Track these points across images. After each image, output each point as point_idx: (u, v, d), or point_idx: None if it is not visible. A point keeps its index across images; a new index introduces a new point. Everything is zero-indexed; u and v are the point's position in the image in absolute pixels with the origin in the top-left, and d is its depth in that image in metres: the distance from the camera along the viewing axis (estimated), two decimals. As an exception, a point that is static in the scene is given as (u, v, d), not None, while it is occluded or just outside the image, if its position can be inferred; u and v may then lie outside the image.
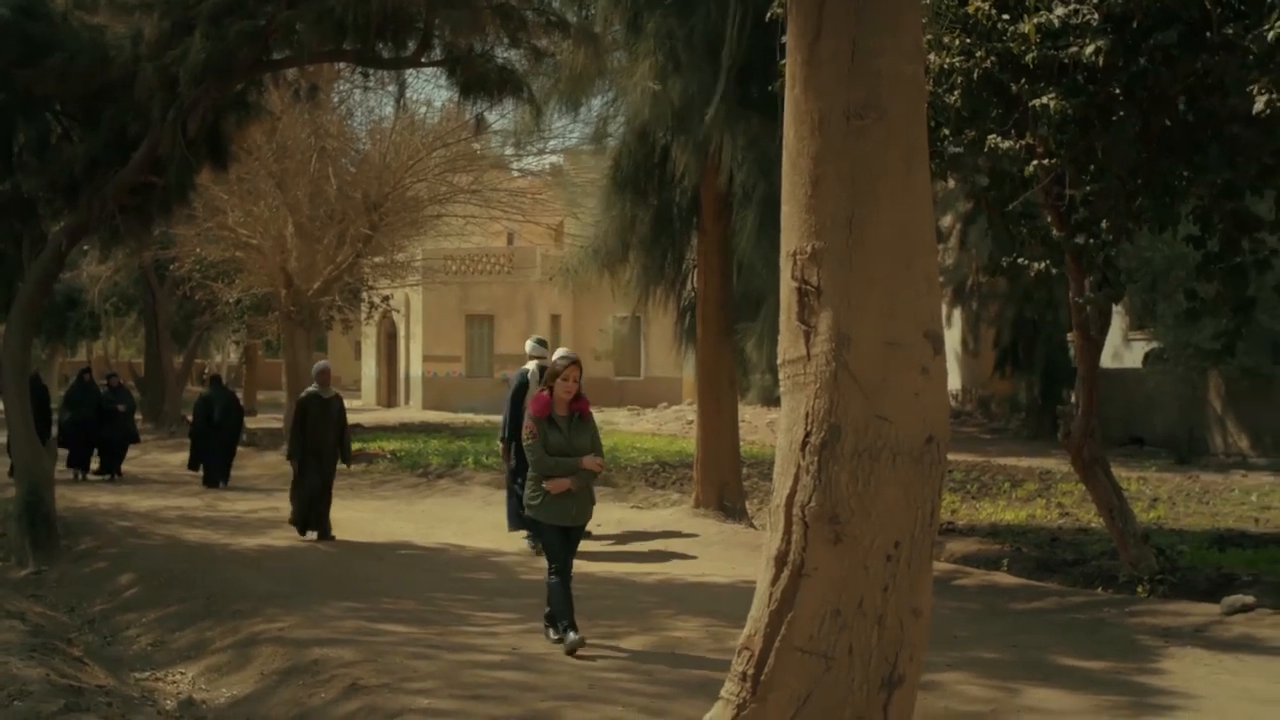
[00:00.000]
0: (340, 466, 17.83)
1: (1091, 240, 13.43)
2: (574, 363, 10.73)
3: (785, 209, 5.23)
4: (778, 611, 5.04)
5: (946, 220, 38.27)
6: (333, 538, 17.14)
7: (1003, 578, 14.54)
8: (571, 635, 10.26)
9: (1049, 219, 14.08)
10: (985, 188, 14.73)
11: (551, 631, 10.58)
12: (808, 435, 5.00)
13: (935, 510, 5.14)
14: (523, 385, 16.38)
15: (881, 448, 4.94)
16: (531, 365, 16.65)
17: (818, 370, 5.00)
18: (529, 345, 17.44)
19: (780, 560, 5.07)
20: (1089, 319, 14.13)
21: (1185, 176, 13.50)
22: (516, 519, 16.28)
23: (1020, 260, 14.54)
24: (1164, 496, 22.94)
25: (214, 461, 25.65)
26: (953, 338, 41.24)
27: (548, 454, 10.32)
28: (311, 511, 17.32)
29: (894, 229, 5.08)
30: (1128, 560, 14.03)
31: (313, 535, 17.28)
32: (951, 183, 18.63)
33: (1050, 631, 11.73)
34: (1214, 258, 13.99)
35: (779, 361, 5.16)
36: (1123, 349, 38.94)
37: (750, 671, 5.08)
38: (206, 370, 53.59)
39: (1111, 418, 29.91)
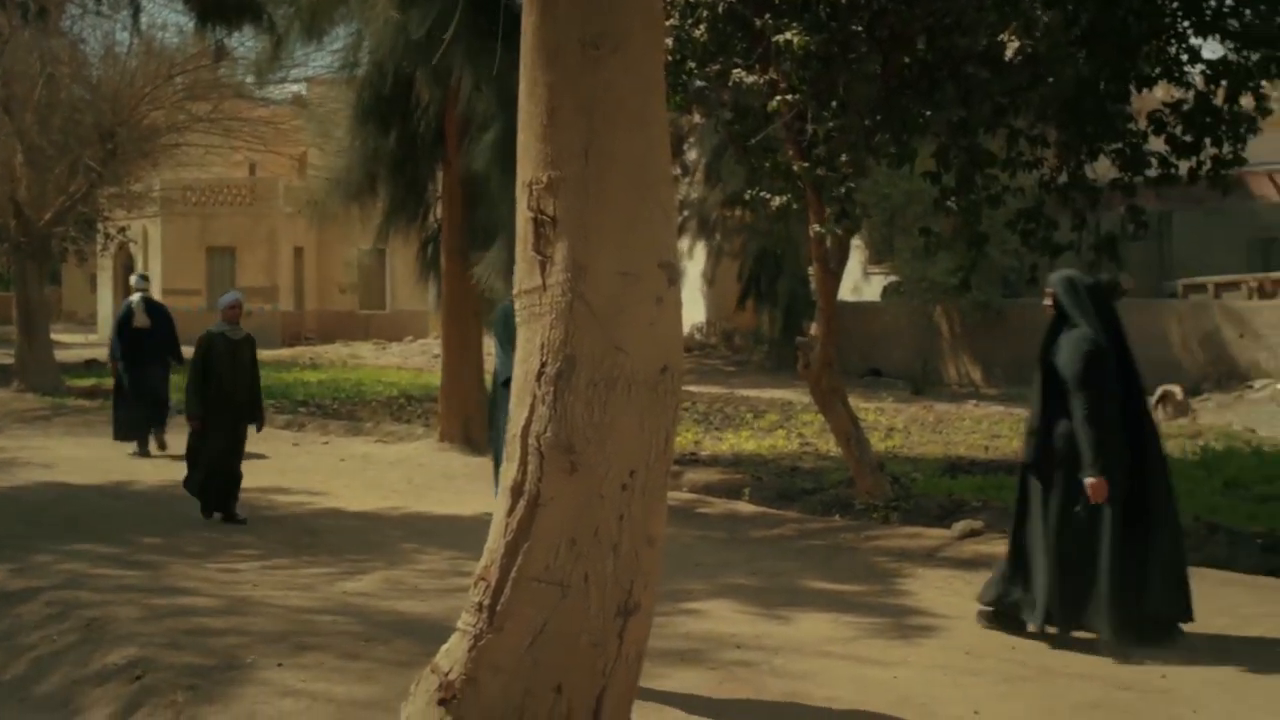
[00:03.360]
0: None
1: (831, 174, 13.66)
2: None
3: (521, 139, 5.19)
4: (514, 542, 5.04)
5: (692, 154, 38.60)
6: (243, 521, 13.66)
7: (743, 506, 14.79)
8: None
9: (790, 153, 14.26)
10: (729, 121, 14.87)
11: None
12: (543, 366, 4.99)
13: (670, 439, 5.18)
14: (126, 315, 19.35)
15: (617, 378, 4.96)
16: (135, 298, 19.49)
17: (553, 300, 4.98)
18: (133, 280, 20.39)
19: (516, 491, 5.07)
20: (828, 252, 14.39)
21: (923, 114, 13.79)
22: (124, 428, 17.87)
23: (762, 194, 14.72)
24: (899, 426, 23.60)
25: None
26: (696, 271, 41.67)
27: None
28: (214, 484, 13.88)
29: (630, 160, 5.08)
30: (864, 488, 14.39)
31: (216, 516, 13.84)
32: (697, 116, 18.76)
33: (790, 557, 11.99)
34: (949, 194, 14.34)
35: (514, 292, 5.14)
36: (862, 282, 39.86)
37: (487, 602, 5.08)
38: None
39: (850, 349, 30.61)
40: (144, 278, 20.73)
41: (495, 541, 5.13)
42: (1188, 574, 9.11)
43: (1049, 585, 8.88)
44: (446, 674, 5.11)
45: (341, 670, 7.96)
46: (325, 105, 29.85)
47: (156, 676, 7.76)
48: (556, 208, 5.02)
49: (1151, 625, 8.83)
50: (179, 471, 14.63)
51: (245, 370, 14.08)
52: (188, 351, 14.09)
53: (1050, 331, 9.18)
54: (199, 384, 13.89)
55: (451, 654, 5.15)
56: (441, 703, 5.09)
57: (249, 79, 32.76)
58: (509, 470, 5.11)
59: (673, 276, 5.16)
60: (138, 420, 19.33)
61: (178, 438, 16.60)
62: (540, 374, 5.00)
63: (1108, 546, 8.75)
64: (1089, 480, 8.63)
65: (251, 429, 14.27)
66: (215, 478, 13.82)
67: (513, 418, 5.10)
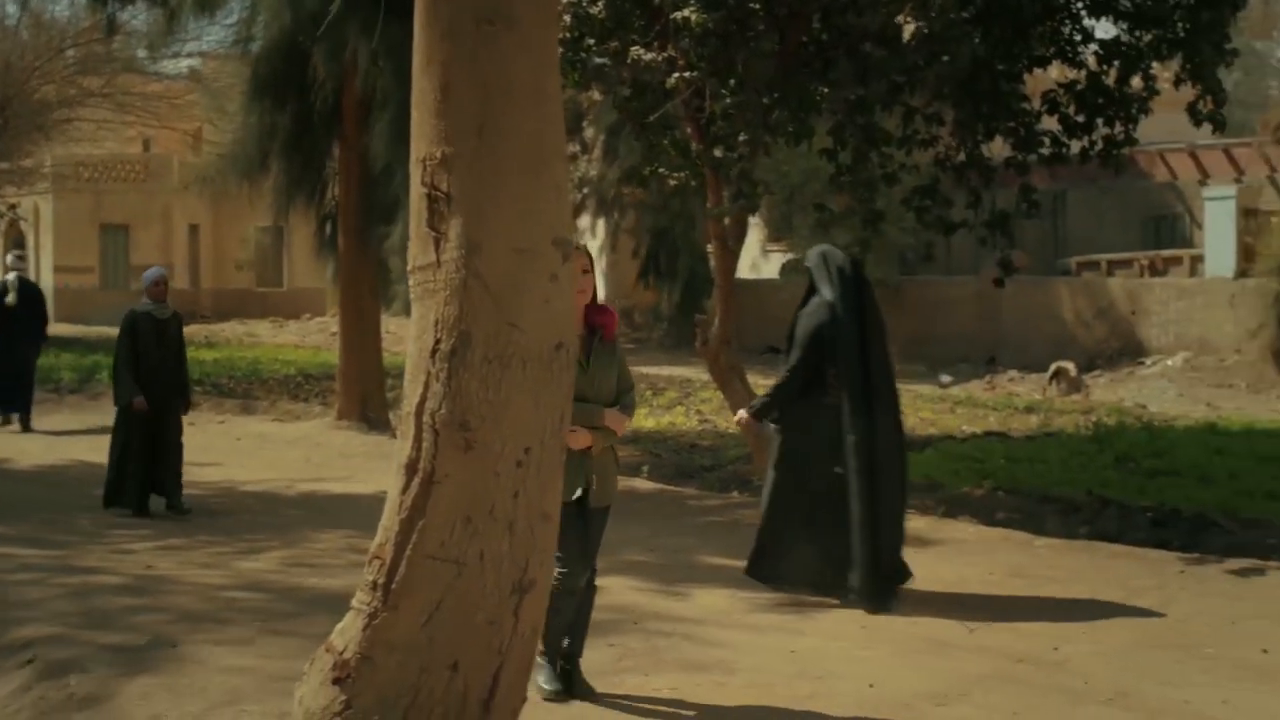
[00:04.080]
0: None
1: (729, 153, 13.69)
2: (577, 247, 6.26)
3: (416, 115, 5.16)
4: (408, 519, 5.02)
5: (590, 132, 38.56)
6: (187, 511, 12.82)
7: (642, 483, 14.84)
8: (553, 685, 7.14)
9: (689, 131, 14.29)
10: (627, 99, 14.84)
11: (544, 678, 7.08)
12: (437, 342, 4.97)
13: (565, 416, 5.18)
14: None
15: (511, 354, 4.95)
16: (11, 276, 19.26)
17: (447, 277, 4.97)
18: (9, 258, 20.15)
19: (411, 468, 5.05)
20: (726, 230, 14.44)
21: (820, 92, 13.85)
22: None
23: (660, 171, 14.75)
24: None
25: None
26: (594, 248, 41.68)
27: None
28: (153, 474, 12.89)
29: (525, 136, 5.07)
30: (762, 464, 14.46)
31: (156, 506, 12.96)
32: (596, 93, 18.72)
33: (689, 534, 12.05)
34: (845, 171, 14.43)
35: (409, 268, 5.12)
36: (761, 260, 40.06)
37: (381, 580, 5.06)
38: None
39: (749, 327, 30.74)
40: (20, 256, 20.74)
41: (390, 519, 5.11)
42: (901, 545, 9.67)
43: (775, 539, 9.57)
44: (341, 653, 5.09)
45: (271, 645, 8.02)
46: (220, 80, 29.58)
47: (78, 654, 7.75)
48: (450, 184, 5.00)
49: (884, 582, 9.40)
50: (58, 450, 14.37)
51: (173, 351, 13.13)
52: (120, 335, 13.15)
53: (802, 301, 9.69)
54: (129, 366, 12.83)
55: (346, 633, 5.13)
56: (336, 682, 5.07)
57: (142, 53, 32.42)
58: (403, 448, 5.09)
59: (567, 253, 5.15)
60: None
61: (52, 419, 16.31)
62: (434, 351, 4.98)
63: (857, 510, 9.28)
64: (743, 413, 9.19)
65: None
66: (140, 466, 12.81)
67: (406, 395, 5.08)
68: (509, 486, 5.02)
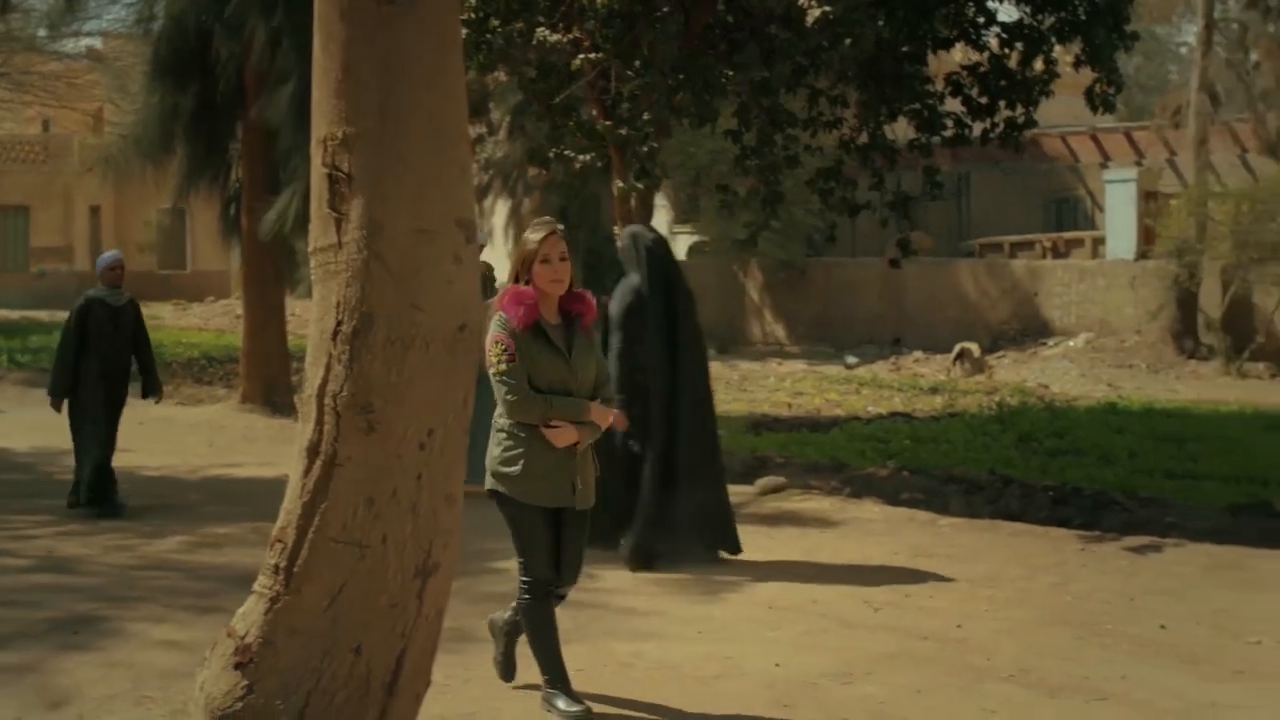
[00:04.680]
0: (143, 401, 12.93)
1: (634, 133, 13.70)
2: (554, 232, 6.56)
3: (316, 94, 5.10)
4: (310, 503, 4.97)
5: (497, 113, 38.39)
6: (122, 505, 12.02)
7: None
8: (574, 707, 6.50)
9: (594, 112, 14.28)
10: (533, 80, 14.81)
11: (561, 701, 6.50)
12: (339, 324, 4.92)
13: (469, 398, 5.15)
14: None
15: (414, 336, 4.91)
16: None
17: (349, 258, 4.92)
18: None
19: (313, 451, 5.00)
20: (632, 211, 14.44)
21: (725, 74, 13.89)
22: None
23: (566, 152, 14.73)
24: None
25: None
26: (499, 229, 41.49)
27: (534, 388, 6.40)
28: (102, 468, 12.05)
29: (426, 117, 5.02)
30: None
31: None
32: (502, 74, 18.66)
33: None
34: (750, 153, 14.48)
35: (310, 250, 5.07)
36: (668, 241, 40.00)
37: (284, 564, 5.01)
38: None
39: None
40: None
41: (291, 503, 5.06)
42: (730, 512, 10.25)
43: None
44: (243, 638, 5.04)
45: (200, 621, 7.97)
46: (122, 60, 29.14)
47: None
48: (352, 164, 4.95)
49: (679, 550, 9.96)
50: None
51: (128, 340, 12.26)
52: None
53: (617, 281, 10.10)
54: (70, 358, 12.01)
55: (248, 617, 5.08)
56: (238, 667, 5.01)
57: (41, 32, 31.85)
58: (305, 430, 5.04)
59: (470, 234, 5.12)
60: None
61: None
62: (336, 332, 4.94)
63: (649, 478, 9.76)
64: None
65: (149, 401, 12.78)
66: (104, 460, 12.01)
67: (308, 377, 5.04)
68: (412, 469, 4.99)
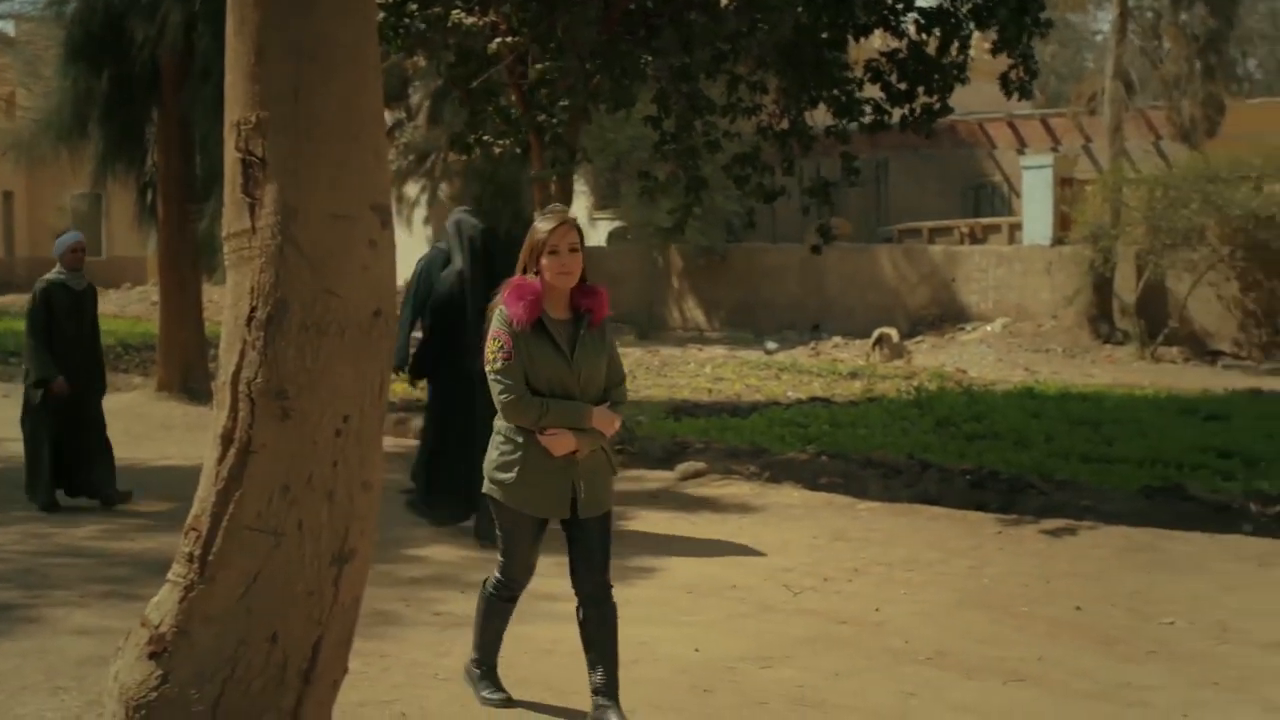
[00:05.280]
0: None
1: (551, 119, 13.68)
2: (564, 222, 6.27)
3: (230, 78, 5.05)
4: (225, 490, 4.93)
5: (416, 97, 38.19)
6: (127, 495, 11.77)
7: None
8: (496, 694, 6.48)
9: (512, 97, 14.24)
10: (451, 65, 14.74)
11: (486, 690, 6.47)
12: (253, 310, 4.88)
13: (385, 383, 5.13)
14: None
15: (329, 322, 4.88)
16: None
17: (263, 244, 4.87)
18: None
19: (227, 438, 4.96)
20: (551, 196, 14.40)
21: (644, 59, 13.89)
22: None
23: (485, 138, 14.68)
24: (625, 370, 23.81)
25: None
26: (419, 214, 41.29)
27: (533, 390, 6.06)
28: (77, 465, 11.69)
29: (341, 101, 4.99)
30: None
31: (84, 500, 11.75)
32: (421, 59, 18.57)
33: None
34: (670, 139, 14.49)
35: (223, 235, 5.02)
36: (588, 228, 39.93)
37: (198, 552, 4.97)
38: None
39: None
40: None
41: (206, 490, 5.02)
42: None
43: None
44: (157, 627, 4.99)
45: (116, 609, 7.93)
46: (34, 42, 28.72)
47: None
48: (265, 149, 4.91)
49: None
50: None
51: (89, 327, 11.75)
52: None
53: (445, 263, 10.42)
54: (45, 342, 11.35)
55: (161, 606, 5.03)
56: (152, 656, 4.97)
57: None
58: (219, 418, 5.00)
59: (385, 219, 5.09)
60: None
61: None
62: (250, 319, 4.89)
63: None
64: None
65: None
66: (63, 453, 11.54)
67: (222, 364, 4.99)
68: (327, 455, 4.95)
